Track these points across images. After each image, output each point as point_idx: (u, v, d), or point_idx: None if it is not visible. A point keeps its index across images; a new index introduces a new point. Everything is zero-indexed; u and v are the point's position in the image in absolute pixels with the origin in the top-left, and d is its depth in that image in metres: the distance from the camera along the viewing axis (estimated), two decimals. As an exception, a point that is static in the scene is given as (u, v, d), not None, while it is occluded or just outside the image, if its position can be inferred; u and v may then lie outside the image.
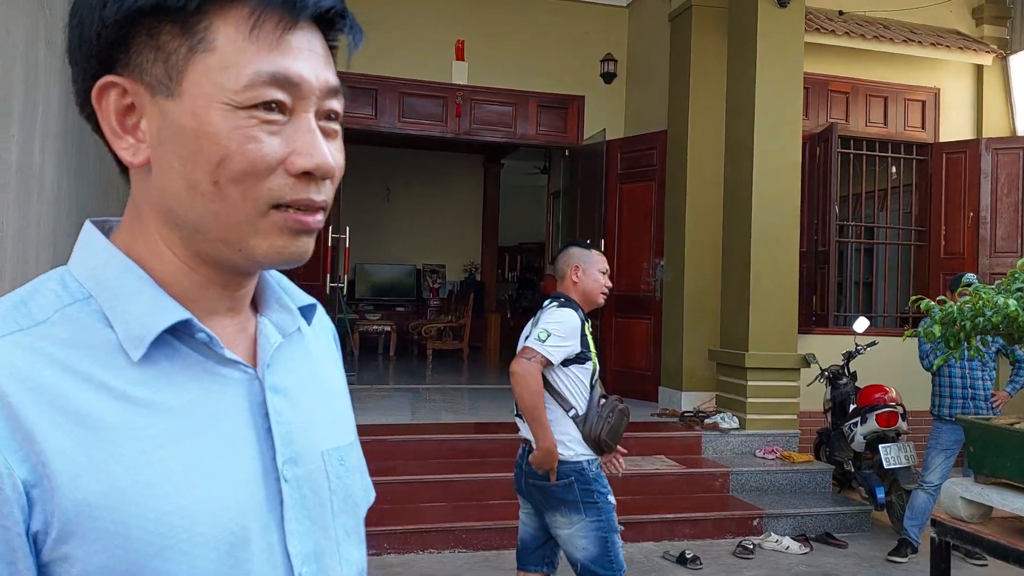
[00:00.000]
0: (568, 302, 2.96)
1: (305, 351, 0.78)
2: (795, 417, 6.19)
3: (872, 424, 5.34)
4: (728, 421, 6.10)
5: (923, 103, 7.80)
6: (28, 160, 3.96)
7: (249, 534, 0.64)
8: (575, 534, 2.80)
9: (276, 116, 0.64)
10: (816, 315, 7.10)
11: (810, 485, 5.74)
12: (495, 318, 13.15)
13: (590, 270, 3.01)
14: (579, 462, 2.83)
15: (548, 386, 2.89)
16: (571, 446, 2.84)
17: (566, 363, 2.88)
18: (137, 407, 0.62)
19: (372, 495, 0.83)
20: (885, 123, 7.70)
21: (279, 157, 0.64)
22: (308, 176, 0.65)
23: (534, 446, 2.85)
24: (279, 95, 0.63)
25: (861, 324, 6.00)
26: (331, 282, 7.82)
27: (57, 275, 0.66)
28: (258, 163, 0.63)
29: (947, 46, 7.40)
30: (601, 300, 3.04)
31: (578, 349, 2.88)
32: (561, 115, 8.15)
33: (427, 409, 6.99)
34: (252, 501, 0.66)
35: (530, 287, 14.73)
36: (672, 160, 7.19)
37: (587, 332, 2.95)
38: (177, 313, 0.65)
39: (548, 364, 2.84)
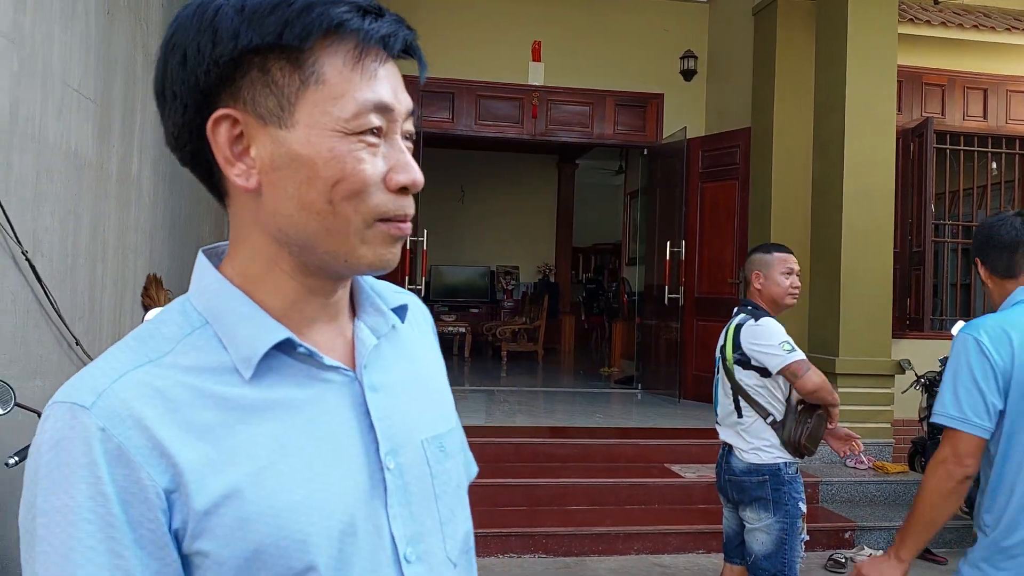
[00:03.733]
0: (757, 310, 3.02)
1: (401, 347, 0.85)
2: (889, 425, 5.93)
3: (974, 434, 5.06)
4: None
5: (1026, 94, 7.39)
6: (127, 169, 4.10)
7: (356, 521, 0.71)
8: (759, 529, 2.94)
9: (376, 139, 0.72)
10: (911, 318, 6.81)
11: (905, 497, 5.48)
12: (569, 320, 13.06)
13: (772, 274, 3.04)
14: (776, 464, 2.93)
15: (745, 395, 2.99)
16: (769, 450, 2.94)
17: (764, 373, 2.95)
18: (250, 417, 0.70)
19: (474, 469, 0.92)
20: (984, 116, 7.32)
21: (381, 175, 0.72)
22: (404, 191, 0.73)
23: (736, 450, 3.01)
24: (379, 121, 0.72)
25: (959, 329, 5.70)
26: (409, 285, 7.89)
27: (179, 305, 0.75)
28: (368, 182, 0.71)
29: (1053, 34, 6.99)
30: (790, 301, 3.06)
31: None
32: (639, 114, 8.03)
33: (502, 412, 6.96)
34: (358, 492, 0.73)
35: (601, 290, 14.58)
36: (756, 158, 7.00)
37: None
38: (279, 333, 0.72)
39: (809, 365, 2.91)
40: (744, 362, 2.98)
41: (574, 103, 7.90)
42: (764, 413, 2.95)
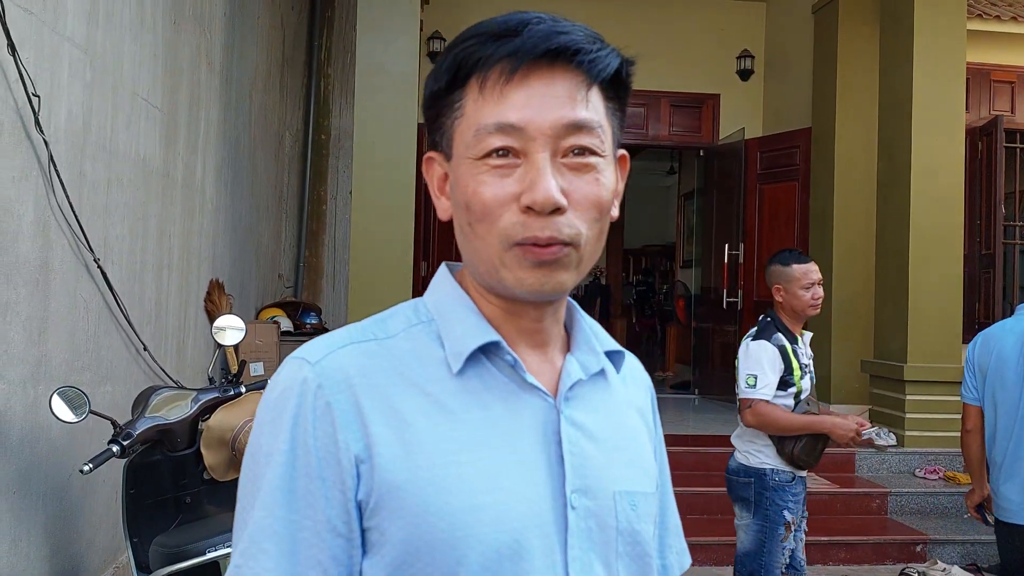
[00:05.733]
0: (763, 331, 3.04)
1: (610, 396, 0.83)
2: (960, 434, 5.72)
3: (1053, 445, 4.86)
4: (884, 437, 5.65)
5: (1103, 90, 7.08)
6: (192, 175, 4.16)
7: (530, 546, 0.70)
8: (740, 526, 3.03)
9: (508, 160, 0.72)
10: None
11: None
12: (621, 323, 12.94)
13: (791, 288, 3.04)
14: (762, 468, 2.97)
15: None
16: (757, 454, 2.99)
17: None
18: (447, 414, 0.72)
19: (687, 560, 0.91)
20: (1058, 113, 7.03)
21: (511, 197, 0.72)
22: (534, 212, 0.71)
23: (735, 451, 3.08)
24: (505, 141, 0.71)
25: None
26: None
27: (414, 303, 0.81)
28: (489, 204, 0.72)
29: None
30: (812, 312, 3.08)
31: (780, 376, 2.99)
32: (695, 114, 7.90)
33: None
34: (537, 518, 0.72)
35: (651, 293, 14.43)
36: (817, 159, 6.83)
37: (791, 352, 2.99)
38: (490, 335, 0.75)
39: (763, 403, 2.95)
40: None
41: (628, 104, 7.80)
42: None
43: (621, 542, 0.77)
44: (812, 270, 3.04)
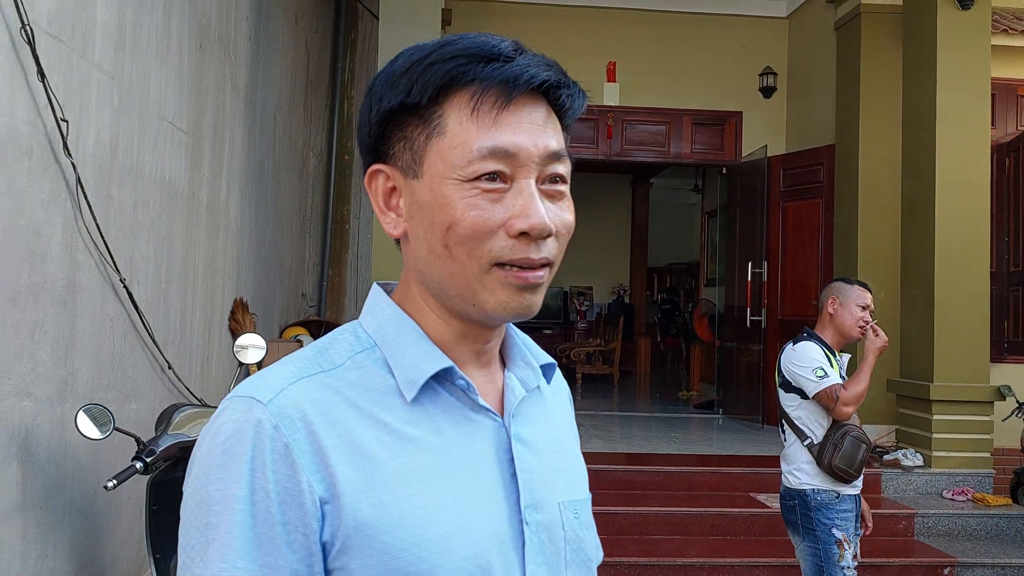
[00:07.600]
0: (806, 336, 3.11)
1: (544, 407, 0.85)
2: (988, 455, 5.61)
3: (1085, 466, 4.77)
4: (911, 458, 5.61)
5: None
6: (216, 197, 4.23)
7: (492, 567, 0.71)
8: (799, 553, 3.03)
9: (497, 185, 0.72)
10: (1009, 342, 6.47)
11: (1009, 532, 5.17)
12: (645, 341, 12.88)
13: (847, 303, 3.10)
14: (803, 489, 2.97)
15: (787, 418, 3.08)
16: (798, 475, 3.00)
17: (804, 396, 3.02)
18: (406, 443, 0.72)
19: (601, 554, 0.88)
20: (1087, 128, 6.93)
21: (500, 221, 0.72)
22: (526, 236, 0.72)
23: (782, 474, 3.10)
24: (497, 166, 0.72)
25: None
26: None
27: (351, 327, 0.79)
28: (479, 228, 0.72)
29: None
30: (856, 334, 3.09)
31: None
32: (717, 132, 7.90)
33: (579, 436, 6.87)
34: (497, 538, 0.73)
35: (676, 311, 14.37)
36: (841, 176, 6.79)
37: (829, 359, 3.04)
38: (443, 361, 0.75)
39: (841, 387, 2.94)
40: (786, 385, 3.07)
41: (650, 123, 7.83)
42: (802, 436, 3.02)
43: (569, 550, 0.79)
44: (870, 297, 3.14)
